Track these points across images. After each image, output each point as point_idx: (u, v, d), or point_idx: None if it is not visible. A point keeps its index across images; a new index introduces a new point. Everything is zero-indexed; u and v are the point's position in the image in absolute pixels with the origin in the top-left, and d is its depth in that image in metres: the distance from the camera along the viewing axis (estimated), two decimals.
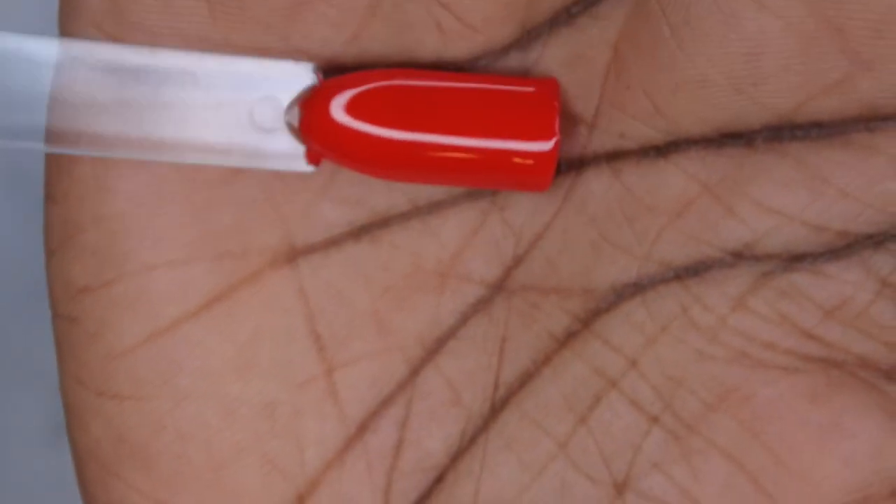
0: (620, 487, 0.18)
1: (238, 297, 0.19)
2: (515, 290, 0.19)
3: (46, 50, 0.17)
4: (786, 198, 0.17)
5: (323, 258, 0.19)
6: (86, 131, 0.17)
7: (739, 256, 0.18)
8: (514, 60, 0.18)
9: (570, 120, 0.18)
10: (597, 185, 0.18)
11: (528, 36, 0.18)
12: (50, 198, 0.19)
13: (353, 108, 0.17)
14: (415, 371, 0.19)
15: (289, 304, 0.19)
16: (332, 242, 0.19)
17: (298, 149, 0.18)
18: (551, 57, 0.18)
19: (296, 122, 0.18)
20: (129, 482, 0.19)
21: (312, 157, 0.18)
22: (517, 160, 0.18)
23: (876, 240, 0.18)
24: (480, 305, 0.19)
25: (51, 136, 0.17)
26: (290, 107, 0.18)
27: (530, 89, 0.18)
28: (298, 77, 0.18)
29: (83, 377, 0.19)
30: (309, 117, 0.18)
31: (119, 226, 0.18)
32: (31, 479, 0.36)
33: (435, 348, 0.19)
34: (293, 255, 0.19)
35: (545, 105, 0.18)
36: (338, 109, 0.17)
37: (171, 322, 0.18)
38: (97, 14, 0.18)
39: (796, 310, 0.18)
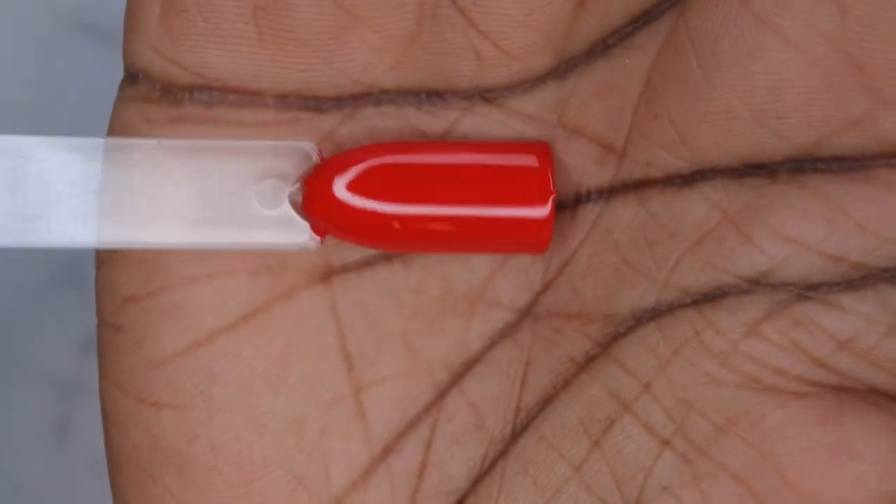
0: None
1: (273, 311, 0.19)
2: (541, 316, 0.19)
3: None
4: (804, 228, 0.18)
5: (356, 278, 0.19)
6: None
7: (755, 283, 0.18)
8: (549, 89, 0.19)
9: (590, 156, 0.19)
10: (623, 212, 0.19)
11: (565, 66, 0.19)
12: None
13: (354, 185, 0.18)
14: (441, 394, 0.19)
15: (321, 322, 0.19)
16: (366, 263, 0.19)
17: (304, 225, 0.19)
18: (586, 87, 0.19)
19: (299, 200, 0.19)
20: (165, 486, 0.19)
21: (317, 233, 0.19)
22: (515, 226, 0.18)
23: (892, 274, 0.18)
24: (507, 330, 0.19)
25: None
26: (293, 186, 0.19)
27: (524, 156, 0.18)
28: (300, 156, 0.19)
29: (124, 384, 0.19)
30: (312, 195, 0.18)
31: (164, 254, 0.19)
32: (31, 480, 0.36)
33: (461, 372, 0.19)
34: (328, 273, 0.19)
35: (539, 170, 0.18)
36: (340, 187, 0.18)
37: (209, 333, 0.19)
38: (154, 37, 0.19)
39: (809, 339, 0.18)
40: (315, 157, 0.19)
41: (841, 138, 0.17)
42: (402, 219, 0.18)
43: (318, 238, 0.19)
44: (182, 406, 0.19)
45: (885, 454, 0.17)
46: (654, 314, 0.19)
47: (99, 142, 0.19)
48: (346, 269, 0.19)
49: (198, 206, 0.18)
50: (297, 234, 0.19)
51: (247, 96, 0.19)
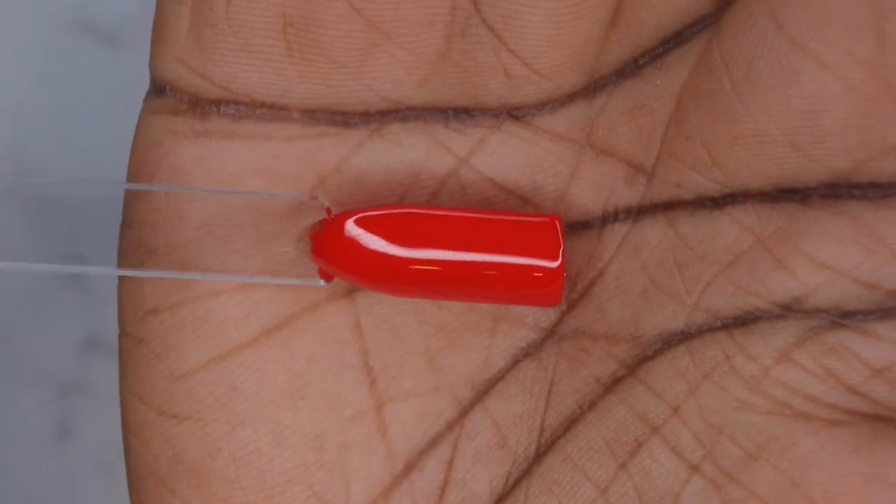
0: None
1: (296, 326, 0.19)
2: (566, 335, 0.19)
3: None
4: (838, 254, 0.17)
5: (380, 294, 0.19)
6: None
7: (788, 309, 0.18)
8: (578, 108, 0.19)
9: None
10: (651, 233, 0.19)
11: (595, 85, 0.19)
12: (126, 223, 0.19)
13: (362, 230, 0.18)
14: (463, 412, 0.19)
15: (344, 337, 0.19)
16: None
17: (312, 268, 0.19)
18: (615, 106, 0.19)
19: (308, 249, 0.19)
20: (185, 499, 0.19)
21: (325, 276, 0.19)
22: (527, 277, 0.18)
23: None
24: (531, 349, 0.19)
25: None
26: (302, 235, 0.19)
27: (535, 219, 0.18)
28: (310, 211, 0.19)
29: (145, 395, 0.19)
30: (319, 241, 0.18)
31: (189, 252, 0.19)
32: (32, 480, 0.36)
33: (484, 390, 0.19)
34: (352, 288, 0.19)
35: (550, 231, 0.18)
36: (346, 232, 0.18)
37: (233, 347, 0.19)
38: (183, 50, 0.19)
39: (843, 366, 0.18)
40: (324, 213, 0.19)
41: (877, 164, 0.17)
42: (413, 270, 0.18)
43: (326, 280, 0.19)
44: (203, 419, 0.19)
45: None
46: (684, 337, 0.18)
47: (120, 184, 0.19)
48: None
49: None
50: (307, 276, 0.19)
51: (274, 111, 0.19)
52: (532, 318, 0.19)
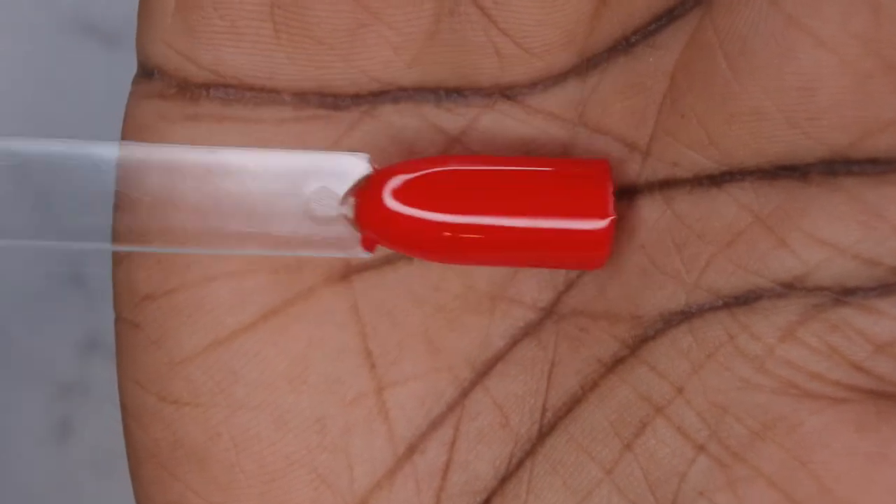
0: None
1: (293, 310, 0.19)
2: (565, 315, 0.19)
3: (109, 153, 0.18)
4: (838, 231, 0.17)
5: (377, 277, 0.19)
6: (150, 228, 0.18)
7: (790, 287, 0.18)
8: (571, 87, 0.19)
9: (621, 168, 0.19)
10: (648, 212, 0.19)
11: (587, 64, 0.19)
12: (119, 208, 0.19)
13: (406, 197, 0.18)
14: (464, 392, 0.19)
15: (342, 321, 0.19)
16: (386, 261, 0.19)
17: (355, 236, 0.18)
18: (608, 85, 0.19)
19: (351, 213, 0.18)
20: (187, 483, 0.19)
21: (368, 244, 0.18)
22: (573, 240, 0.18)
23: None
24: (530, 329, 0.19)
25: (117, 234, 0.18)
26: (345, 198, 0.18)
27: (583, 170, 0.18)
28: (353, 167, 0.18)
29: (143, 381, 0.19)
30: (363, 208, 0.18)
31: (184, 235, 0.19)
32: (31, 480, 0.36)
33: (484, 370, 0.19)
34: (347, 272, 0.19)
35: (598, 185, 0.18)
36: (391, 199, 0.18)
37: (230, 333, 0.19)
38: (169, 32, 0.18)
39: (846, 343, 0.17)
40: (368, 168, 0.18)
41: (874, 140, 0.17)
42: (456, 232, 0.18)
43: (368, 251, 0.18)
44: (203, 404, 0.19)
45: None
46: (685, 317, 0.18)
47: (146, 147, 0.18)
48: (365, 267, 0.19)
49: (241, 211, 0.18)
50: (347, 245, 0.18)
51: (264, 94, 0.18)
52: (530, 298, 0.19)
